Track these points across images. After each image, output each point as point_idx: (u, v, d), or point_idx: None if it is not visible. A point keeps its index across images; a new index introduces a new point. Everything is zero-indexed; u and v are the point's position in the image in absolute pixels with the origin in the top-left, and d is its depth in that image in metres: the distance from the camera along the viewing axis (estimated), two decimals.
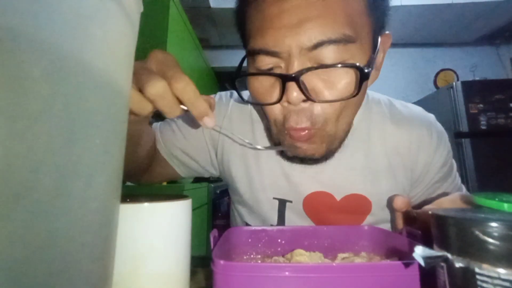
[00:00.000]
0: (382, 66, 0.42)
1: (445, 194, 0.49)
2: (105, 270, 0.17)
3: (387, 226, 0.49)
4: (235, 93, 0.55)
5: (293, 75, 0.33)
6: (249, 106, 0.53)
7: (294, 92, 0.33)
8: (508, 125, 2.03)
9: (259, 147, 0.39)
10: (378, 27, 0.38)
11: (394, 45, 2.27)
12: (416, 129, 0.48)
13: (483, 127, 2.03)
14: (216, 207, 2.34)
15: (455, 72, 2.78)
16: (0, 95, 0.09)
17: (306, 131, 0.37)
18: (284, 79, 0.34)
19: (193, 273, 0.33)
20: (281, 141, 0.41)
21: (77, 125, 0.13)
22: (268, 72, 0.36)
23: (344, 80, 0.34)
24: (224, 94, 0.56)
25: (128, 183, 1.50)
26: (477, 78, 2.40)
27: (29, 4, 0.10)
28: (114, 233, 0.19)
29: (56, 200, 0.12)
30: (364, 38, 0.35)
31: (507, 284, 0.16)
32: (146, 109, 0.29)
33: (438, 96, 2.31)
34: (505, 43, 2.72)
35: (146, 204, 0.24)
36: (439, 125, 0.51)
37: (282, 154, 0.44)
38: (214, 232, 0.33)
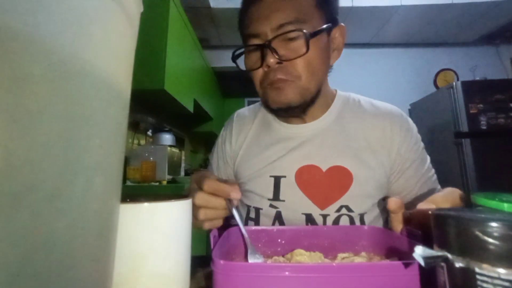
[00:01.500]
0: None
1: (434, 190, 0.55)
2: (105, 270, 0.17)
3: (371, 202, 0.55)
4: (235, 114, 0.73)
5: (264, 43, 0.51)
6: (248, 111, 0.70)
7: (270, 58, 0.50)
8: (508, 125, 2.02)
9: None
10: (329, 18, 0.54)
11: (394, 45, 2.24)
12: (390, 117, 0.60)
13: (483, 127, 2.03)
14: None
15: (455, 72, 2.78)
16: (0, 95, 0.09)
17: (282, 83, 0.52)
18: (262, 46, 0.52)
19: (193, 273, 0.33)
20: (266, 98, 0.55)
21: (77, 125, 0.13)
22: (252, 44, 0.53)
23: (298, 43, 0.50)
24: (225, 126, 0.73)
25: (128, 183, 1.51)
26: (477, 78, 2.39)
27: (29, 4, 0.10)
28: (114, 233, 0.19)
29: (56, 200, 0.12)
30: (315, 23, 0.52)
31: (507, 284, 0.16)
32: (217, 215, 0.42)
33: (438, 96, 2.31)
34: (505, 43, 2.72)
35: (146, 204, 0.24)
36: (409, 118, 0.63)
37: (273, 111, 0.59)
38: (214, 232, 0.33)
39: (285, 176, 0.57)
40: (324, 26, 0.52)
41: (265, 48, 0.51)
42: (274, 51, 0.50)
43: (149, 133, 1.90)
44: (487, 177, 1.95)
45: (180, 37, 1.64)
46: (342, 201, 0.54)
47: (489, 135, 2.02)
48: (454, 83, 2.12)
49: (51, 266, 0.12)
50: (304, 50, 0.50)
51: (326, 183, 0.55)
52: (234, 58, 0.58)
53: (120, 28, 0.17)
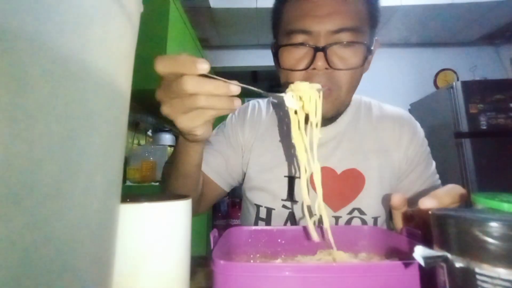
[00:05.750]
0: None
1: (436, 187, 0.56)
2: (105, 270, 0.17)
3: (383, 205, 0.55)
4: (249, 104, 0.68)
5: (322, 47, 0.47)
6: (254, 106, 0.67)
7: (320, 61, 0.47)
8: (508, 125, 2.02)
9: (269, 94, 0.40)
10: (373, 30, 0.52)
11: (394, 45, 2.24)
12: (399, 120, 0.61)
13: (483, 127, 2.03)
14: (216, 207, 2.33)
15: (455, 72, 2.78)
16: (0, 95, 0.09)
17: (325, 88, 0.47)
18: (316, 49, 0.47)
19: (193, 273, 0.33)
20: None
21: (77, 125, 0.13)
22: (307, 44, 0.48)
23: (355, 54, 0.48)
24: (236, 113, 0.68)
25: (128, 183, 1.51)
26: (477, 78, 2.39)
27: (29, 4, 0.10)
28: (114, 233, 0.19)
29: (56, 200, 0.12)
30: (366, 32, 0.50)
31: (507, 284, 0.16)
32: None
33: (438, 96, 2.31)
34: (505, 43, 2.71)
35: (146, 204, 0.24)
36: (417, 122, 0.64)
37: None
38: (214, 232, 0.33)
39: (299, 177, 0.55)
40: (376, 38, 0.52)
41: (318, 51, 0.47)
42: (327, 56, 0.47)
43: (149, 133, 1.90)
44: (487, 177, 1.95)
45: (180, 37, 1.63)
46: (354, 203, 0.54)
47: (489, 135, 2.02)
48: (454, 83, 2.12)
49: (51, 266, 0.12)
50: (359, 63, 0.48)
51: (340, 186, 0.55)
52: (276, 54, 0.52)
53: (120, 28, 0.17)
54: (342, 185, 0.55)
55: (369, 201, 0.55)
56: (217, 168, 0.59)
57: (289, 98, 0.36)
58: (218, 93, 0.31)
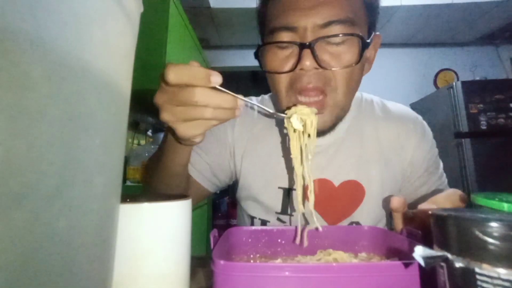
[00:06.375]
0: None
1: (438, 191, 0.52)
2: (105, 270, 0.17)
3: (381, 214, 0.52)
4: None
5: (308, 43, 0.40)
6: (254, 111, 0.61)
7: (307, 61, 0.40)
8: (508, 125, 2.02)
9: (271, 111, 0.41)
10: (371, 24, 0.47)
11: (394, 45, 2.23)
12: (404, 122, 0.55)
13: (483, 127, 2.03)
14: (216, 207, 2.34)
15: (455, 72, 2.78)
16: (0, 95, 0.09)
17: (319, 96, 0.43)
18: (301, 46, 0.41)
19: (193, 273, 0.33)
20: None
21: (77, 125, 0.13)
22: (289, 41, 0.42)
23: (348, 50, 0.42)
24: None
25: (128, 183, 1.51)
26: (477, 78, 2.39)
27: (29, 5, 0.10)
28: (114, 233, 0.19)
29: (56, 200, 0.12)
30: (362, 26, 0.44)
31: (507, 284, 0.16)
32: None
33: (438, 96, 2.31)
34: (505, 43, 2.71)
35: (146, 204, 0.24)
36: (424, 122, 0.58)
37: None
38: (214, 232, 0.33)
39: (295, 189, 0.50)
40: (376, 33, 0.46)
41: (304, 48, 0.40)
42: (316, 54, 0.41)
43: (149, 133, 1.90)
44: (487, 177, 1.95)
45: (180, 37, 1.63)
46: (353, 217, 0.51)
47: (489, 135, 2.02)
48: (454, 83, 2.12)
49: (51, 266, 0.12)
50: (354, 60, 0.42)
51: (338, 199, 0.51)
52: (258, 55, 0.46)
53: (120, 28, 0.17)
54: (340, 199, 0.51)
55: (368, 215, 0.51)
56: (200, 167, 0.55)
57: (296, 120, 0.40)
58: (227, 106, 0.32)
